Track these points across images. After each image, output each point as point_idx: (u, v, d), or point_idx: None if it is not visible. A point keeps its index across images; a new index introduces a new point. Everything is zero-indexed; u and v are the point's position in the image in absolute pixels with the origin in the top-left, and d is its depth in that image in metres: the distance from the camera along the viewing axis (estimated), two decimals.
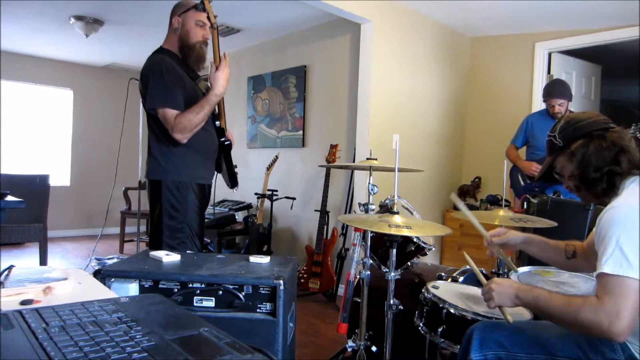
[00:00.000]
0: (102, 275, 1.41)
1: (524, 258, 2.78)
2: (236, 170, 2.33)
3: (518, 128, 3.57)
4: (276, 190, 4.36)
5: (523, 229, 2.62)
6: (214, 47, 2.08)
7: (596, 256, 1.21)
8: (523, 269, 1.90)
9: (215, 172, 2.31)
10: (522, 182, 3.44)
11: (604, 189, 1.28)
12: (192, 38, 2.11)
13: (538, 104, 4.02)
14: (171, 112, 1.97)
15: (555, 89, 3.29)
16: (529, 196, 3.02)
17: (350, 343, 2.04)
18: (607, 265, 1.11)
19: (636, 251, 1.09)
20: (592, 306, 1.10)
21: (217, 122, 2.20)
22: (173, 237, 2.04)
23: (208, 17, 2.07)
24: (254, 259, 1.62)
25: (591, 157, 1.29)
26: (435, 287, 1.81)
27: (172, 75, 2.01)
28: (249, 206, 4.89)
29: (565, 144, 1.36)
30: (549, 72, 4.03)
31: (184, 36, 2.12)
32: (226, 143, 2.24)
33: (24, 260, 4.91)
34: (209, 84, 2.05)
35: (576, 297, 1.17)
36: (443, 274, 2.12)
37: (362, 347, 2.00)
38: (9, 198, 2.06)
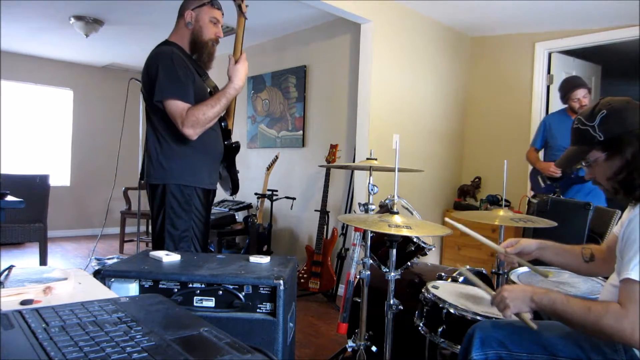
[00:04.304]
0: (102, 275, 1.41)
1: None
2: (238, 175, 2.23)
3: (536, 130, 3.50)
4: (276, 190, 4.36)
5: (535, 234, 2.62)
6: (238, 39, 1.99)
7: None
8: (523, 269, 1.90)
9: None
10: (542, 184, 3.34)
11: None
12: (205, 35, 2.01)
13: (538, 105, 4.02)
14: (182, 105, 1.84)
15: (576, 80, 3.18)
16: (529, 196, 3.02)
17: (350, 343, 2.03)
18: (635, 271, 1.08)
19: None
20: (615, 314, 1.08)
21: (224, 123, 2.06)
22: (176, 246, 1.92)
23: (240, 6, 2.00)
24: (254, 259, 1.62)
25: None
26: (435, 287, 1.81)
27: (183, 67, 1.89)
28: (249, 206, 4.89)
29: (607, 139, 1.23)
30: (549, 72, 4.03)
31: (197, 32, 2.01)
32: (234, 144, 2.11)
33: (24, 260, 4.91)
34: (228, 77, 1.93)
35: (596, 303, 1.15)
36: (443, 274, 2.12)
37: (362, 347, 2.00)
38: (9, 198, 2.05)
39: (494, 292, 1.35)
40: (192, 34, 2.01)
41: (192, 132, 1.85)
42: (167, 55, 1.89)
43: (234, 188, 2.21)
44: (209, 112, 1.86)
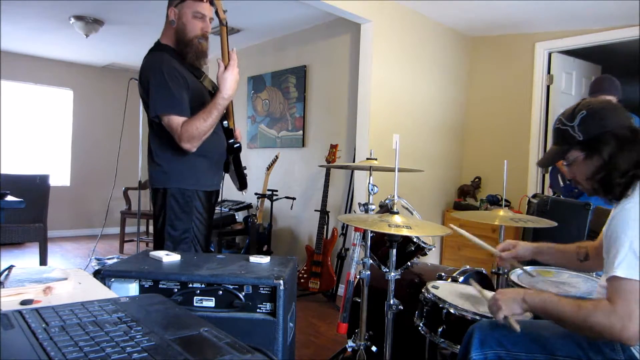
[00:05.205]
0: (102, 275, 1.41)
1: None
2: (245, 172, 2.19)
3: None
4: (276, 190, 4.36)
5: (535, 234, 2.62)
6: (223, 46, 1.93)
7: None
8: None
9: (223, 173, 2.16)
10: (561, 183, 3.28)
11: (621, 192, 1.22)
12: (189, 32, 1.91)
13: (538, 104, 4.02)
14: (177, 120, 1.82)
15: (606, 84, 3.13)
16: (529, 197, 3.02)
17: (350, 343, 2.04)
18: (620, 268, 1.10)
19: None
20: (603, 310, 1.09)
21: (225, 123, 2.03)
22: (175, 248, 1.91)
23: (217, 13, 1.92)
24: (254, 259, 1.62)
25: (619, 160, 1.21)
26: (435, 287, 1.81)
27: (174, 76, 1.85)
28: (249, 206, 4.89)
29: (586, 139, 1.25)
30: (549, 72, 4.03)
31: (181, 30, 1.92)
32: (236, 145, 2.08)
33: (24, 260, 4.91)
34: (217, 85, 1.89)
35: (586, 301, 1.16)
36: (443, 274, 2.12)
37: (362, 347, 2.00)
38: (9, 198, 2.05)
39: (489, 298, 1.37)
40: (176, 32, 1.94)
41: (189, 146, 1.85)
42: (157, 67, 1.85)
43: (242, 184, 2.19)
44: (202, 125, 1.83)
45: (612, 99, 3.02)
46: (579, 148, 1.28)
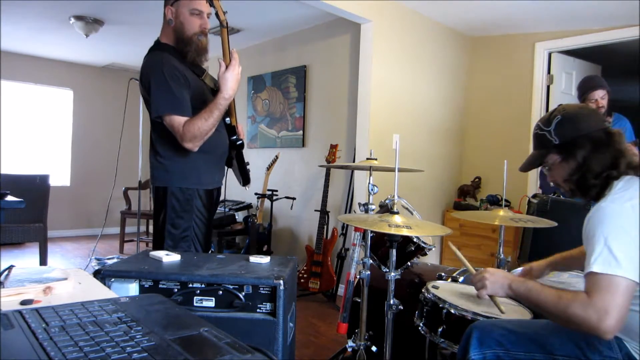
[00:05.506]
0: (102, 275, 1.41)
1: (524, 255, 2.78)
2: (248, 167, 2.19)
3: None
4: (276, 190, 4.36)
5: (535, 234, 2.61)
6: (224, 47, 1.93)
7: None
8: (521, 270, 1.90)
9: (226, 168, 2.17)
10: (551, 183, 3.32)
11: (597, 193, 1.26)
12: (187, 30, 1.91)
13: (538, 105, 4.02)
14: (178, 120, 1.83)
15: (593, 81, 3.08)
16: (529, 197, 3.02)
17: (350, 343, 2.04)
18: (596, 264, 1.12)
19: (624, 250, 1.10)
20: (581, 302, 1.11)
21: (228, 119, 2.04)
22: (175, 246, 1.93)
23: (217, 15, 1.92)
24: (254, 259, 1.62)
25: (593, 162, 1.26)
26: (435, 287, 1.81)
27: (175, 76, 1.86)
28: (249, 206, 4.89)
29: (562, 143, 1.31)
30: (549, 72, 4.03)
31: (179, 29, 1.92)
32: (238, 142, 2.09)
33: (24, 260, 4.91)
34: (219, 85, 1.90)
35: (567, 292, 1.17)
36: (443, 274, 2.12)
37: (362, 347, 2.00)
38: (9, 198, 2.05)
39: (475, 271, 1.41)
40: (174, 31, 1.94)
41: (192, 145, 1.86)
42: (157, 67, 1.86)
43: (245, 179, 2.19)
44: (204, 125, 1.84)
45: (605, 94, 3.01)
46: (555, 151, 1.34)
